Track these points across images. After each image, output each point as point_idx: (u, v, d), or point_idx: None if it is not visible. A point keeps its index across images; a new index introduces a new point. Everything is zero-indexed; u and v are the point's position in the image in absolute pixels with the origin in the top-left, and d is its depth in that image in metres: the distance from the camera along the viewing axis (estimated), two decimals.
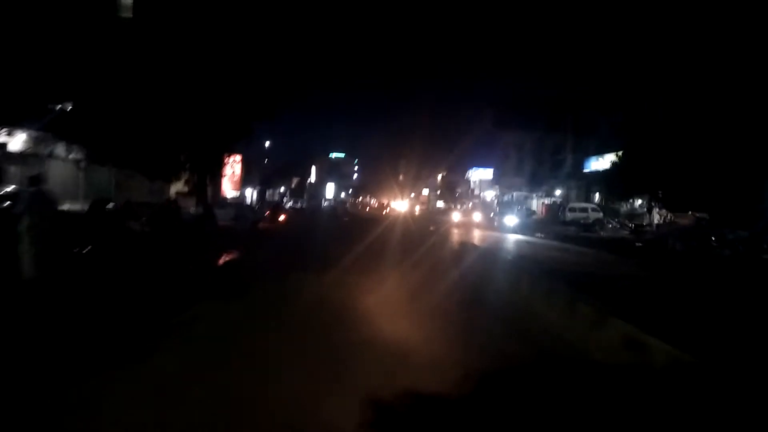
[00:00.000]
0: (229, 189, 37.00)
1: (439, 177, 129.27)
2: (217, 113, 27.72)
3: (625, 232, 36.27)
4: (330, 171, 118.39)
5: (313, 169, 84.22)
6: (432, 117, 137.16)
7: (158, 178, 29.91)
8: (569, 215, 41.97)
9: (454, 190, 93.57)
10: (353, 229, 29.95)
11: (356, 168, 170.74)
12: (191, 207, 30.80)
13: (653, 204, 36.18)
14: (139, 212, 19.42)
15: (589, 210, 41.92)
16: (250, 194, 53.08)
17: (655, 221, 36.22)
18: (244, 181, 49.56)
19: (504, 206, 44.79)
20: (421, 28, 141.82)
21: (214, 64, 26.11)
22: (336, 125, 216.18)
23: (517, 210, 43.75)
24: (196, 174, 29.70)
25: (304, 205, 55.22)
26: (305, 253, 18.33)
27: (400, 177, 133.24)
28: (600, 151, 45.16)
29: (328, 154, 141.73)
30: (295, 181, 62.65)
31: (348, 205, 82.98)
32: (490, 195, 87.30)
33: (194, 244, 18.70)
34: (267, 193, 60.01)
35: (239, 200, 36.73)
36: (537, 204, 67.15)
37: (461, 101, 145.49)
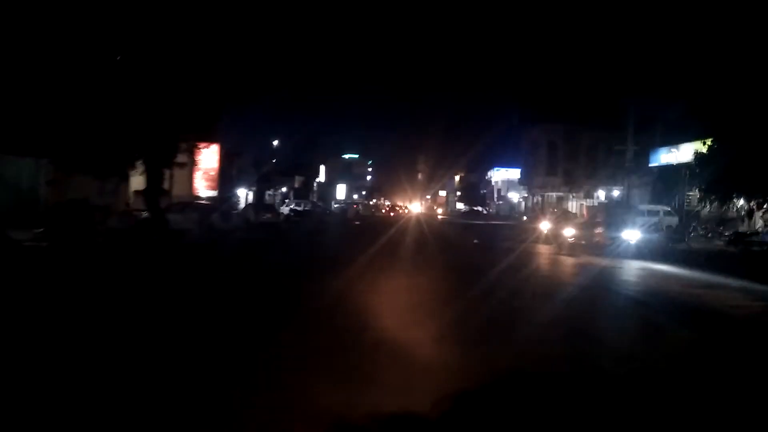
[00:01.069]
0: (202, 187, 28.66)
1: (457, 178, 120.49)
2: (170, 89, 19.73)
3: (719, 243, 27.36)
4: (342, 172, 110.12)
5: (323, 168, 75.95)
6: (449, 115, 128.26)
7: (100, 174, 21.66)
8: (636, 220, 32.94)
9: (476, 191, 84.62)
10: (366, 244, 21.27)
11: (370, 169, 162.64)
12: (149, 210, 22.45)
13: (753, 206, 27.06)
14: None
15: (661, 213, 32.95)
16: (245, 195, 44.77)
17: (759, 227, 27.27)
18: (236, 180, 41.29)
19: (616, 215, 29.75)
20: (436, 21, 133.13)
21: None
22: (350, 125, 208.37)
23: (641, 221, 28.31)
24: (147, 167, 21.39)
25: (308, 208, 46.73)
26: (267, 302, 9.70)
27: (419, 176, 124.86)
28: (670, 141, 36.11)
29: (341, 155, 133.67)
30: (298, 180, 54.19)
31: (360, 207, 74.61)
32: (515, 197, 78.35)
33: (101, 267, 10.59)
34: (267, 194, 51.65)
35: (213, 202, 28.42)
36: (574, 206, 58.19)
37: (481, 97, 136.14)
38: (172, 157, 21.56)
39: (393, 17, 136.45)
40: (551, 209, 56.04)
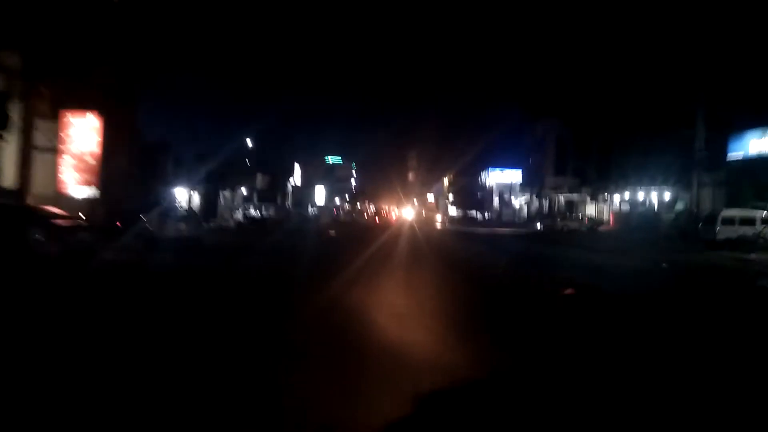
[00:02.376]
0: (72, 182, 17.71)
1: (446, 181, 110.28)
2: None
3: None
4: (324, 175, 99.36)
5: (297, 168, 65.29)
6: (440, 114, 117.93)
7: None
8: (721, 230, 22.75)
9: (472, 195, 74.31)
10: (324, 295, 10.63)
11: (354, 172, 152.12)
12: None
13: None
14: None
15: (758, 221, 22.83)
16: (187, 196, 33.88)
17: None
18: (171, 177, 30.53)
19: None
20: (422, 13, 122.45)
21: None
22: (332, 127, 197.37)
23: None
24: None
25: (270, 214, 35.70)
26: None
27: (409, 177, 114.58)
28: (755, 124, 26.01)
29: (323, 158, 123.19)
30: (263, 179, 43.29)
31: (340, 212, 64.00)
32: (518, 200, 68.31)
33: None
34: (221, 196, 40.71)
35: (94, 204, 17.56)
36: (595, 210, 48.20)
37: (474, 93, 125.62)
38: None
39: (378, 11, 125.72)
40: (567, 214, 46.06)
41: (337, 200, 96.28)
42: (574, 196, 49.87)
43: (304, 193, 71.96)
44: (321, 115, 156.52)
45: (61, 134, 17.35)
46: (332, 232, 30.95)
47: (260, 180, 42.67)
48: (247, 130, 42.95)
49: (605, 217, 45.25)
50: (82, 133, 17.15)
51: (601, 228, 40.70)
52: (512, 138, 73.11)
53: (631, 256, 19.66)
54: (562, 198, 56.14)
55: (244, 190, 41.24)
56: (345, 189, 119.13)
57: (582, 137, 55.01)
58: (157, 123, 29.65)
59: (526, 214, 63.14)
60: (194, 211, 22.92)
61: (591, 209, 48.09)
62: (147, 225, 17.20)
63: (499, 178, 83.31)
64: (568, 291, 9.83)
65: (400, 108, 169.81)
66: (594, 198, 48.62)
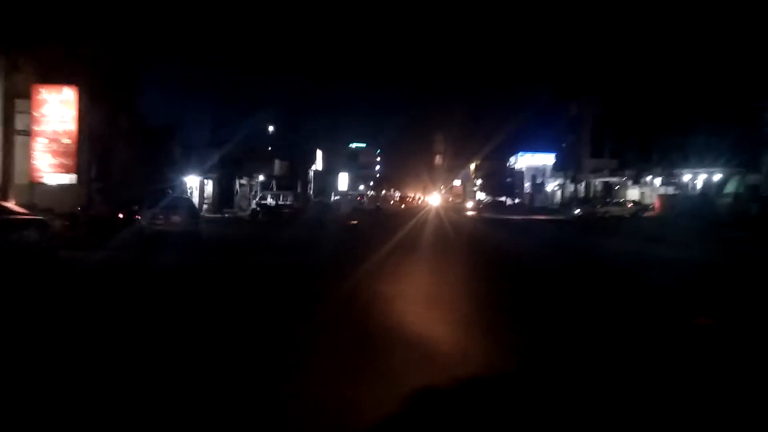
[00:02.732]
0: (47, 168, 15.19)
1: (472, 166, 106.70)
2: None
3: None
4: (348, 162, 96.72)
5: (320, 154, 62.74)
6: (467, 98, 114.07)
7: None
8: None
9: (500, 180, 70.85)
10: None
11: (378, 159, 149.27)
12: None
13: None
14: None
15: None
16: (199, 185, 31.68)
17: None
18: (181, 164, 28.26)
19: None
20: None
21: None
22: (356, 113, 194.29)
23: None
24: None
25: (288, 202, 33.09)
26: None
27: (437, 161, 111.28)
28: None
29: (347, 144, 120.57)
30: (281, 165, 40.67)
31: (364, 199, 61.43)
32: (551, 185, 64.58)
33: None
34: (238, 184, 38.43)
35: (73, 191, 15.10)
36: (638, 195, 44.57)
37: (503, 75, 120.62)
38: None
39: None
40: (607, 199, 42.54)
41: (361, 187, 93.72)
42: (614, 180, 46.22)
43: (326, 180, 69.44)
44: (345, 101, 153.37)
45: (35, 113, 14.96)
46: (354, 222, 28.35)
47: (278, 167, 40.10)
48: (265, 114, 40.44)
49: (649, 201, 41.66)
50: (57, 111, 14.75)
51: (646, 214, 37.20)
52: (544, 119, 69.37)
53: (703, 248, 16.54)
54: (599, 182, 52.52)
55: (261, 178, 38.80)
56: (370, 176, 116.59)
57: (620, 116, 51.11)
58: (168, 108, 27.34)
59: (559, 200, 59.60)
60: (191, 201, 20.37)
61: (633, 193, 44.44)
62: (139, 218, 14.81)
63: (530, 161, 79.51)
64: (702, 320, 6.82)
65: (426, 92, 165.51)
66: (636, 181, 44.94)
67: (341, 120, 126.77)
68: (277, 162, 39.79)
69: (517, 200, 68.25)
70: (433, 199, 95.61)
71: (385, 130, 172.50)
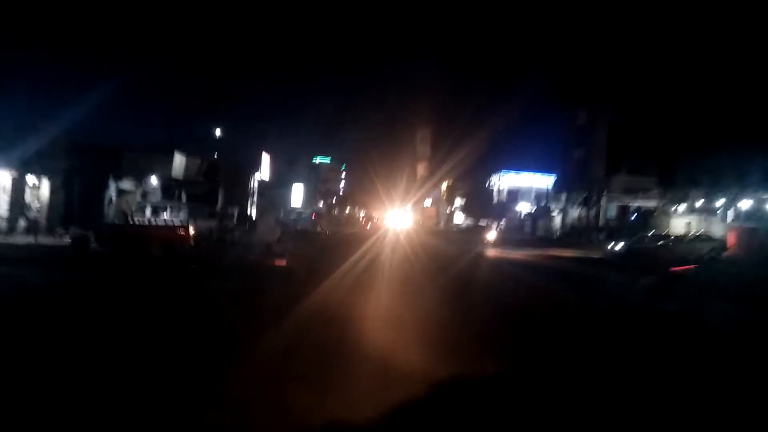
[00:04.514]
0: None
1: (444, 186, 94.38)
2: None
3: None
4: (307, 175, 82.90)
5: (266, 160, 48.97)
6: (442, 109, 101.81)
7: None
8: None
9: (485, 202, 58.17)
10: None
11: (343, 175, 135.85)
12: None
13: None
14: None
15: None
16: (12, 184, 17.62)
17: None
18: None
19: None
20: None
21: None
22: (322, 127, 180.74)
23: None
24: None
25: (199, 223, 18.90)
26: None
27: (419, 172, 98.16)
28: None
29: (312, 158, 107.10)
30: (186, 164, 25.99)
31: (323, 222, 47.69)
32: (556, 206, 52.00)
33: None
34: (115, 188, 24.23)
35: None
36: (682, 225, 32.49)
37: (486, 81, 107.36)
38: None
39: None
40: (657, 232, 30.17)
41: (321, 204, 79.94)
42: (652, 204, 33.96)
43: (277, 193, 55.51)
44: (307, 111, 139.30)
45: None
46: (282, 260, 14.70)
47: (183, 165, 26.14)
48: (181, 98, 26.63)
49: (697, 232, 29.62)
50: None
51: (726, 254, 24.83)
52: (540, 132, 57.61)
53: None
54: (616, 206, 40.45)
55: (155, 182, 24.70)
56: (330, 192, 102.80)
57: (645, 125, 39.48)
58: None
59: (558, 227, 47.40)
60: None
61: (678, 224, 32.32)
62: None
63: (514, 181, 67.78)
64: None
65: (397, 106, 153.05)
66: (675, 207, 32.95)
67: (303, 129, 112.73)
68: (179, 158, 25.77)
69: (499, 225, 55.69)
70: (402, 221, 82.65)
71: (351, 147, 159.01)
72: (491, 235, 24.69)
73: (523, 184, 66.55)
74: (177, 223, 15.98)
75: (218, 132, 29.66)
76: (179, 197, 27.92)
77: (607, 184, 38.03)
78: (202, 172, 28.48)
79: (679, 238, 27.54)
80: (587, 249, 31.51)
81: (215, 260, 13.98)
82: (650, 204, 33.81)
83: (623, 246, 26.64)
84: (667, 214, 33.14)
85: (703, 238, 26.53)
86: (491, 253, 22.03)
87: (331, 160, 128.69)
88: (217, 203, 29.35)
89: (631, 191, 33.57)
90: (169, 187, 25.93)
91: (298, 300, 8.90)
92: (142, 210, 22.76)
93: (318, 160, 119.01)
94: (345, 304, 8.71)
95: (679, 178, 32.89)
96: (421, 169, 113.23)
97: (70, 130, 20.78)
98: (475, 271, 15.30)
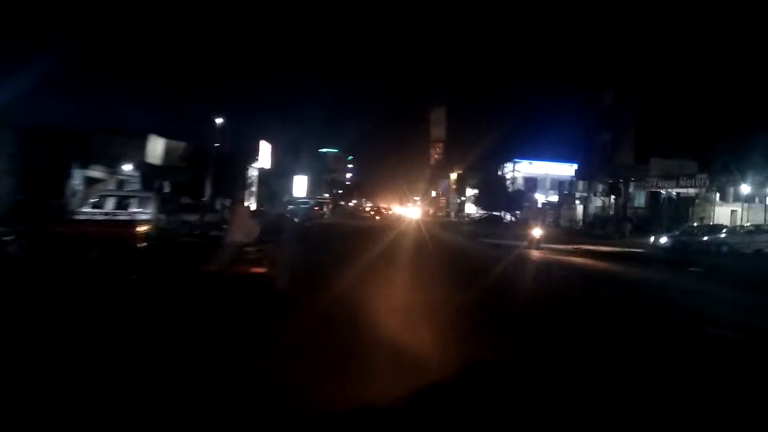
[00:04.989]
0: None
1: (453, 176, 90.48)
2: None
3: None
4: (311, 165, 79.29)
5: (268, 149, 45.47)
6: (453, 97, 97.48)
7: None
8: None
9: (500, 191, 54.34)
10: None
11: (350, 166, 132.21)
12: None
13: None
14: None
15: None
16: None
17: None
18: None
19: None
20: None
21: None
22: (330, 118, 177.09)
23: None
24: None
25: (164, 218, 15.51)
26: None
27: (433, 158, 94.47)
28: None
29: (318, 150, 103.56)
30: (166, 147, 22.37)
31: (325, 210, 44.19)
32: (578, 195, 48.10)
33: None
34: (82, 177, 20.81)
35: None
36: (728, 214, 28.64)
37: (500, 70, 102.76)
38: None
39: None
40: (701, 222, 26.34)
41: (326, 195, 76.41)
42: (692, 191, 30.06)
43: (279, 182, 52.05)
44: (313, 100, 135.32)
45: None
46: (260, 267, 11.12)
47: (162, 149, 22.52)
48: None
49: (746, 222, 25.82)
50: None
51: None
52: (557, 118, 53.72)
53: None
54: (645, 193, 36.63)
55: (129, 167, 21.15)
56: (337, 182, 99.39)
57: (677, 106, 35.50)
58: None
59: (580, 217, 43.59)
60: None
61: (723, 212, 28.49)
62: None
63: (528, 170, 63.95)
64: None
65: (408, 95, 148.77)
66: (723, 195, 29.10)
67: (309, 119, 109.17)
68: (158, 142, 22.20)
69: (513, 216, 51.94)
70: (412, 211, 78.96)
71: (359, 138, 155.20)
72: (537, 231, 20.90)
73: (539, 173, 62.74)
74: (126, 217, 12.53)
75: (214, 119, 26.07)
76: (161, 187, 24.48)
77: (639, 169, 34.16)
78: (186, 158, 24.95)
79: (733, 230, 23.82)
80: (618, 241, 27.91)
81: (169, 267, 10.49)
82: (691, 191, 29.95)
83: (669, 239, 22.95)
84: (710, 202, 29.28)
85: (764, 228, 22.74)
86: (533, 252, 18.34)
87: (338, 151, 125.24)
88: (202, 193, 25.87)
89: (670, 177, 29.66)
90: (146, 175, 22.43)
91: (263, 344, 5.47)
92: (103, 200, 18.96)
93: (325, 150, 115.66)
94: (338, 358, 5.20)
95: (722, 162, 29.08)
96: (435, 152, 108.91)
97: (17, 113, 17.35)
98: (526, 282, 11.70)
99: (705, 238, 22.34)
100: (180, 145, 24.82)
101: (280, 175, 53.09)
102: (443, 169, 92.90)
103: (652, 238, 23.79)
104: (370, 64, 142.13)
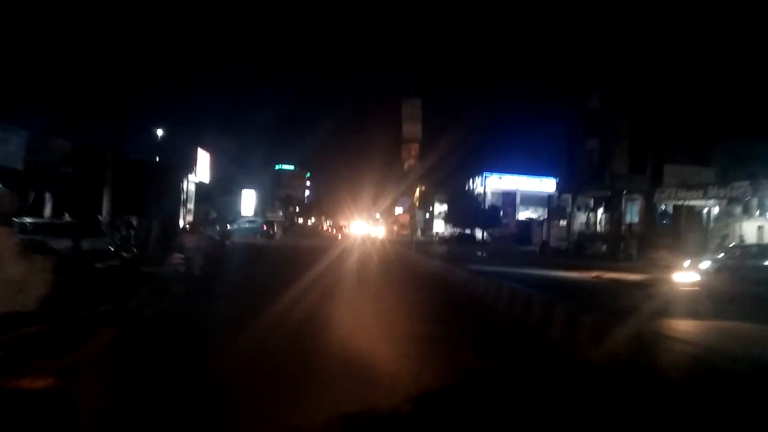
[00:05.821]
0: None
1: (417, 192, 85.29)
2: None
3: None
4: (264, 182, 72.30)
5: (205, 158, 38.71)
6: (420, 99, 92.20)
7: None
8: None
9: (474, 207, 48.87)
10: None
11: (308, 183, 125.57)
12: None
13: None
14: None
15: None
16: None
17: None
18: None
19: None
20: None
21: None
22: (285, 130, 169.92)
23: None
24: None
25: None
26: None
27: (407, 163, 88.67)
28: None
29: (274, 167, 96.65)
30: (18, 139, 15.56)
31: (273, 230, 37.35)
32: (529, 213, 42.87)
33: None
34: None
35: None
36: (755, 231, 23.84)
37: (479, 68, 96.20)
38: None
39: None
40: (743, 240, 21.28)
41: (280, 213, 69.45)
42: (710, 203, 24.99)
43: (222, 199, 45.08)
44: (264, 111, 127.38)
45: None
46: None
47: (20, 143, 15.75)
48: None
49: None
50: None
51: None
52: (532, 123, 49.12)
53: None
54: (637, 205, 31.78)
55: None
56: (291, 198, 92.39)
57: (681, 106, 31.00)
58: None
59: (564, 235, 38.29)
60: None
61: (749, 229, 23.59)
62: None
63: (498, 185, 59.24)
64: None
65: (366, 107, 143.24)
66: (747, 207, 24.26)
67: (260, 132, 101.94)
68: (18, 135, 15.20)
69: (485, 234, 46.63)
70: (376, 230, 72.92)
71: (316, 155, 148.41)
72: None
73: (512, 187, 57.93)
74: None
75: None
76: (34, 198, 17.58)
77: (637, 179, 29.16)
78: (68, 160, 18.09)
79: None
80: (628, 264, 22.65)
81: None
82: (708, 203, 24.96)
83: (713, 264, 17.52)
84: (733, 216, 24.28)
85: None
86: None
87: (295, 167, 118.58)
88: (101, 208, 18.98)
89: (688, 186, 24.54)
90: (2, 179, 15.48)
91: None
92: None
93: (281, 167, 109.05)
94: None
95: (742, 168, 24.24)
96: (409, 154, 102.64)
97: None
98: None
99: (754, 263, 16.99)
100: (65, 144, 17.97)
101: (225, 191, 46.21)
102: (420, 177, 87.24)
103: (686, 263, 18.29)
104: (324, 66, 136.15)
